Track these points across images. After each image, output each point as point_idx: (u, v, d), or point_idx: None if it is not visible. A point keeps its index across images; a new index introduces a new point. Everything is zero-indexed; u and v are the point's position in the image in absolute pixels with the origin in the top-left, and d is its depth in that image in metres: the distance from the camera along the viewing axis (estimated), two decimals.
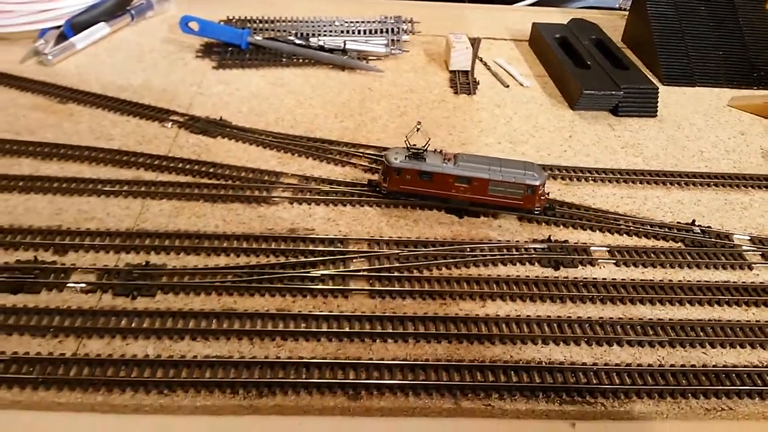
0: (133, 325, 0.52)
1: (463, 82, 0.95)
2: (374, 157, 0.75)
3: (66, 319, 0.52)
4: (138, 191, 0.66)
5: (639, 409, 0.48)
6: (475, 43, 1.05)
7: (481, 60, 1.03)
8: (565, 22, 1.08)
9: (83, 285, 0.55)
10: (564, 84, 0.93)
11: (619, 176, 0.75)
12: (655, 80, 0.97)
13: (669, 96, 0.94)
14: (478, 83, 0.95)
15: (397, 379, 0.49)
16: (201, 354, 0.50)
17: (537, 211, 0.66)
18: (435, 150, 0.66)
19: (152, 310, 0.53)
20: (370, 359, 0.50)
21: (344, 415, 0.47)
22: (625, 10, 1.21)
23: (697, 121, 0.88)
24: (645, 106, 0.88)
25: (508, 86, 0.95)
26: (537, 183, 0.63)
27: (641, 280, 0.60)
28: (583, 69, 0.92)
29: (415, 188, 0.65)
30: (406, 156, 0.65)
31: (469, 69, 0.98)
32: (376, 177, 0.70)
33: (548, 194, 0.67)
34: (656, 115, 0.88)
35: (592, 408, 0.48)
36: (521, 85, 0.96)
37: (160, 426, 0.46)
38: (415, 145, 0.65)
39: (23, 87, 0.84)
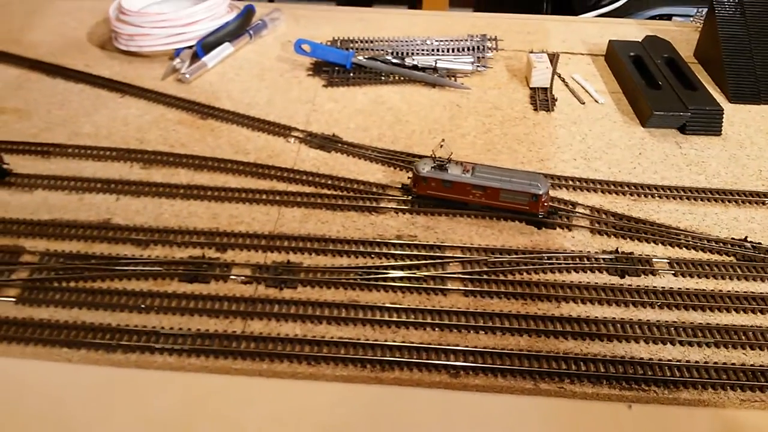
0: (283, 310, 0.67)
1: (543, 99, 1.06)
2: None
3: (233, 304, 0.68)
4: (273, 200, 0.82)
5: (685, 396, 0.60)
6: (553, 59, 1.15)
7: (559, 76, 1.13)
8: (641, 39, 1.17)
9: (242, 277, 0.71)
10: (636, 102, 1.02)
11: (682, 193, 0.85)
12: (722, 98, 1.05)
13: (735, 114, 1.02)
14: (556, 100, 1.06)
15: (488, 363, 0.62)
16: (336, 335, 0.65)
17: (541, 215, 0.78)
18: (457, 162, 0.79)
19: (296, 300, 0.68)
20: (466, 346, 0.64)
21: (447, 389, 0.61)
22: (700, 19, 1.27)
23: (759, 141, 0.96)
24: (710, 125, 0.96)
25: (584, 103, 1.05)
26: (540, 192, 0.76)
27: (695, 289, 0.71)
28: (654, 89, 1.01)
29: (439, 193, 0.79)
30: (431, 167, 0.78)
31: (548, 86, 1.08)
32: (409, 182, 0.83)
33: (551, 201, 0.80)
34: (721, 134, 0.97)
35: (646, 394, 0.60)
36: (596, 101, 1.06)
37: (310, 388, 0.61)
38: (440, 157, 0.79)
39: (168, 103, 1.01)
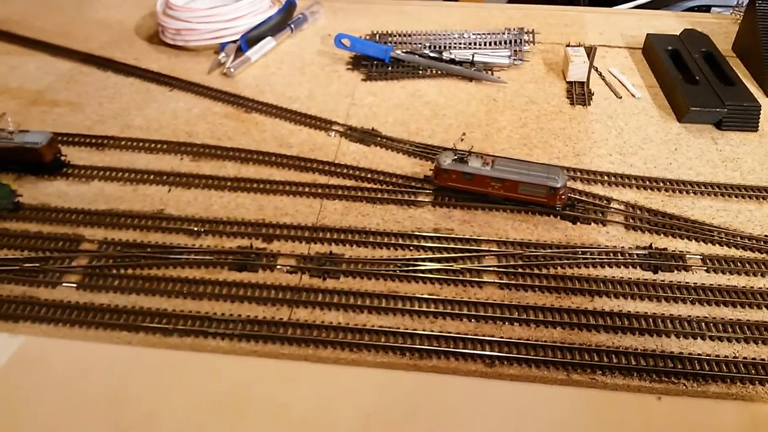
0: (326, 299, 0.71)
1: (579, 93, 1.07)
2: None
3: (279, 292, 0.71)
4: (316, 192, 0.85)
5: (714, 390, 0.62)
6: (591, 52, 1.16)
7: (596, 69, 1.13)
8: (678, 32, 1.17)
9: (288, 267, 0.74)
10: (673, 97, 1.03)
11: (717, 190, 0.86)
12: (760, 93, 1.05)
13: None
14: (593, 94, 1.07)
15: (522, 354, 0.65)
16: (376, 324, 0.68)
17: (558, 207, 0.80)
18: (478, 154, 0.82)
19: (339, 290, 0.72)
20: (501, 337, 0.67)
21: (482, 378, 0.64)
22: (740, 10, 1.26)
23: None
24: (747, 121, 0.96)
25: (620, 97, 1.06)
26: (558, 185, 0.78)
27: (726, 285, 0.72)
28: (691, 84, 1.01)
29: (459, 185, 0.82)
30: (452, 159, 0.80)
31: (585, 80, 1.09)
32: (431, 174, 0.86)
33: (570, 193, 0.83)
34: (757, 130, 0.97)
35: (675, 387, 0.62)
36: (633, 96, 1.07)
37: (352, 374, 0.64)
38: (461, 150, 0.82)
39: (214, 97, 1.05)
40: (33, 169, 0.86)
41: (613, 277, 0.73)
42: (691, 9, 1.49)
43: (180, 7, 1.12)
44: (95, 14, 1.31)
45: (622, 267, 0.75)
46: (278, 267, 0.74)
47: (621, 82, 1.10)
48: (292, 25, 1.21)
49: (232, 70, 1.09)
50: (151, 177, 0.87)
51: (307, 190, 0.85)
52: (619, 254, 0.76)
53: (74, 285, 0.72)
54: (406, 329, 0.67)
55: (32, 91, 1.06)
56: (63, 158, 0.88)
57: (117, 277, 0.72)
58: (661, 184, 0.86)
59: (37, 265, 0.74)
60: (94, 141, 0.93)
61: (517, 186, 0.79)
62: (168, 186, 0.86)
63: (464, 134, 0.88)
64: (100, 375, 0.64)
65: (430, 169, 0.86)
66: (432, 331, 0.67)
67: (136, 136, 0.94)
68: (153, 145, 0.92)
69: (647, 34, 1.17)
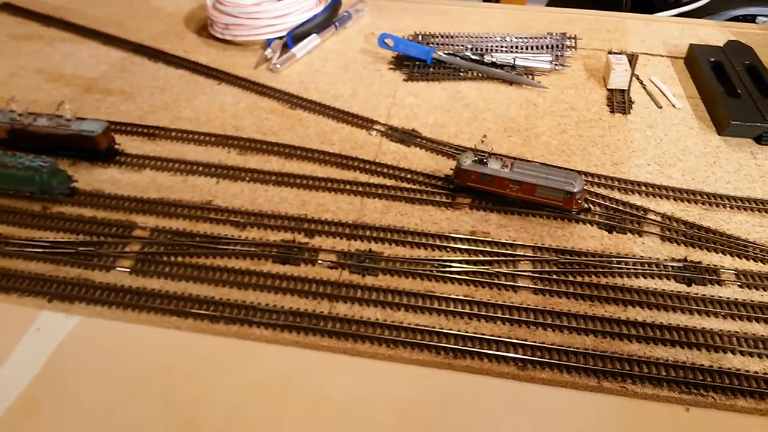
0: (365, 296, 0.73)
1: (619, 101, 1.08)
2: None
3: (320, 286, 0.74)
4: (357, 190, 0.88)
5: (742, 404, 0.63)
6: (632, 60, 1.16)
7: (637, 78, 1.14)
8: (722, 42, 1.16)
9: (329, 262, 0.77)
10: (713, 109, 1.03)
11: (753, 205, 0.86)
12: None
13: None
14: (633, 103, 1.07)
15: (554, 359, 0.67)
16: (413, 322, 0.71)
17: (574, 211, 0.82)
18: (497, 156, 0.85)
19: (377, 287, 0.74)
20: (534, 341, 0.69)
21: (514, 380, 0.66)
22: None
23: None
24: None
25: (661, 107, 1.07)
26: (575, 190, 0.80)
27: (759, 301, 0.73)
28: (733, 97, 1.02)
29: (478, 185, 0.84)
30: (473, 160, 0.83)
31: (626, 88, 1.10)
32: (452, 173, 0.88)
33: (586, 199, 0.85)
34: None
35: (704, 399, 0.64)
36: (673, 106, 1.07)
37: (388, 369, 0.67)
38: (482, 151, 0.84)
39: (261, 92, 1.08)
40: (88, 156, 0.90)
41: (647, 287, 0.74)
42: (735, 18, 1.48)
43: (230, 2, 1.16)
44: (147, 5, 1.35)
45: (656, 278, 0.76)
46: (319, 262, 0.77)
47: (662, 92, 1.10)
48: (337, 23, 1.24)
49: (278, 66, 1.12)
50: (200, 168, 0.90)
51: (348, 187, 0.88)
52: (653, 265, 0.77)
53: (127, 270, 0.75)
54: (441, 328, 0.70)
55: (86, 78, 1.10)
56: (117, 146, 0.92)
57: (167, 264, 0.76)
58: (699, 197, 0.87)
59: (91, 249, 0.77)
60: (145, 131, 0.97)
61: (534, 189, 0.82)
62: (216, 178, 0.89)
63: (485, 136, 0.91)
64: (151, 357, 0.67)
65: (451, 169, 0.88)
66: (466, 331, 0.70)
67: (185, 128, 0.98)
68: (202, 137, 0.96)
69: (690, 45, 1.17)
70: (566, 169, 0.85)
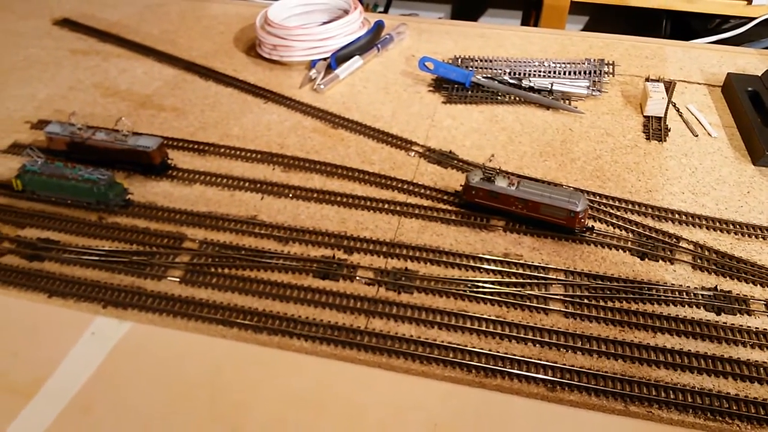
0: (400, 312, 0.76)
1: (656, 129, 1.09)
2: None
3: (357, 302, 0.78)
4: (394, 210, 0.91)
5: None
6: (670, 88, 1.18)
7: (674, 105, 1.15)
8: (760, 71, 1.17)
9: (366, 279, 0.81)
10: (749, 139, 1.04)
11: None
12: None
13: None
14: (669, 130, 1.09)
15: (583, 382, 0.69)
16: (446, 340, 0.73)
17: (577, 230, 0.85)
18: (505, 174, 0.88)
19: (412, 304, 0.77)
20: (564, 364, 0.71)
21: (543, 401, 0.68)
22: None
23: None
24: None
25: (697, 135, 1.08)
26: (578, 209, 0.83)
27: None
28: None
29: (485, 202, 0.88)
30: (480, 177, 0.87)
31: (662, 116, 1.11)
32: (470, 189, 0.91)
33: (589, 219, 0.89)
34: None
35: (729, 427, 0.65)
36: (709, 135, 1.08)
37: (421, 384, 0.70)
38: (490, 169, 0.87)
39: (305, 111, 1.12)
40: (142, 170, 0.95)
41: (677, 315, 0.76)
42: None
43: (278, 25, 1.21)
44: (198, 24, 1.41)
45: (686, 306, 0.78)
46: (357, 278, 0.81)
47: (698, 120, 1.11)
48: (379, 45, 1.28)
49: (321, 86, 1.17)
50: (246, 184, 0.95)
51: (386, 206, 0.91)
52: (684, 293, 0.79)
53: (177, 279, 0.80)
54: (473, 347, 0.72)
55: (141, 94, 1.16)
56: (169, 161, 0.97)
57: (215, 275, 0.80)
58: (731, 227, 0.88)
59: (144, 258, 0.82)
60: (196, 147, 1.02)
61: (539, 207, 0.85)
62: (261, 194, 0.93)
63: (493, 155, 0.96)
64: (198, 363, 0.71)
65: (461, 185, 0.92)
66: (498, 351, 0.72)
67: (233, 145, 1.02)
68: (248, 154, 1.00)
69: (728, 74, 1.18)
70: (571, 188, 0.89)
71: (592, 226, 0.87)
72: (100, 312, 0.77)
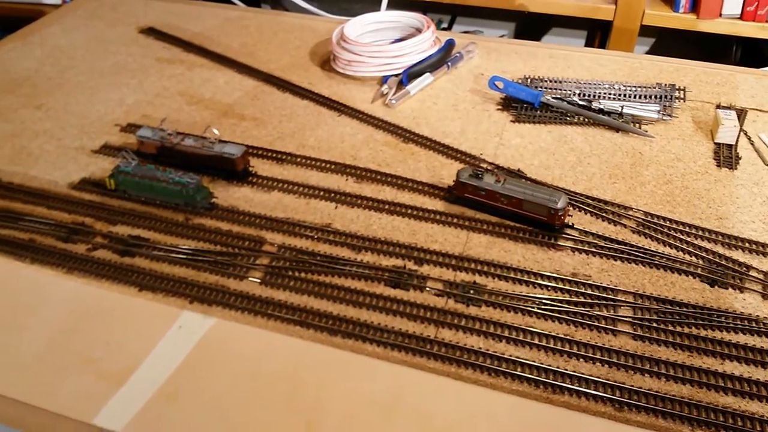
0: (469, 325, 0.79)
1: (726, 156, 1.09)
2: (641, 219, 0.94)
3: (427, 312, 0.80)
4: (463, 224, 0.94)
5: None
6: (741, 115, 1.17)
7: (745, 134, 1.14)
8: None
9: (435, 290, 0.83)
10: None
11: None
12: None
13: None
14: (740, 158, 1.08)
15: (650, 404, 0.70)
16: (514, 354, 0.75)
17: (556, 227, 0.90)
18: (493, 172, 0.94)
19: (480, 317, 0.80)
20: (632, 385, 0.72)
21: (610, 420, 0.70)
22: None
23: None
24: None
25: None
26: (557, 206, 0.88)
27: None
28: None
29: (473, 197, 0.94)
30: (470, 174, 0.93)
31: (733, 143, 1.11)
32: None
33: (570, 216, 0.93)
34: None
35: None
36: None
37: (489, 396, 0.72)
38: (479, 166, 0.95)
39: (376, 125, 1.16)
40: (226, 175, 1.01)
41: (746, 343, 0.76)
42: None
43: (353, 41, 1.25)
44: (275, 38, 1.47)
45: (755, 335, 0.78)
46: (427, 289, 0.83)
47: None
48: (449, 63, 1.31)
49: (393, 101, 1.20)
50: (321, 193, 0.99)
51: (455, 221, 0.94)
52: (753, 322, 0.79)
53: (258, 280, 0.85)
54: (541, 363, 0.74)
55: (223, 103, 1.23)
56: (251, 168, 1.02)
57: (292, 278, 0.85)
58: None
59: (227, 258, 0.87)
60: (275, 155, 1.07)
61: (522, 203, 0.90)
62: (335, 203, 0.97)
63: (481, 153, 1.06)
64: (277, 361, 0.76)
65: (453, 181, 0.97)
66: (565, 369, 0.74)
67: (309, 155, 1.07)
68: (323, 164, 1.05)
69: None
70: (554, 187, 0.97)
71: (572, 224, 0.93)
72: (187, 307, 0.82)
